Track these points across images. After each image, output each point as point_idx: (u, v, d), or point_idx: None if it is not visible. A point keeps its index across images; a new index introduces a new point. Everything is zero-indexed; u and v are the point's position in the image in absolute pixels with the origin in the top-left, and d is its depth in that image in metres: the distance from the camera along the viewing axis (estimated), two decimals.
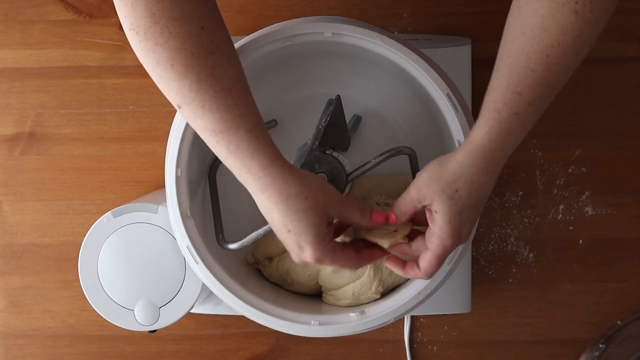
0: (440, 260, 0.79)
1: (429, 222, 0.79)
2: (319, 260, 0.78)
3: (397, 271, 0.82)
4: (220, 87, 0.75)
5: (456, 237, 0.77)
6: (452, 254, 0.86)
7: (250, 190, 0.77)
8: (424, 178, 0.77)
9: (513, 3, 0.76)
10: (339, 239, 0.82)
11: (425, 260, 0.79)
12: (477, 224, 0.81)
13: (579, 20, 0.72)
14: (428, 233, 0.79)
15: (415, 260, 0.81)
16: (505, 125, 0.75)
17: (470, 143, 0.76)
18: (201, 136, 0.78)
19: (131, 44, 0.75)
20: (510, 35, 0.75)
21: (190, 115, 0.76)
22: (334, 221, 0.81)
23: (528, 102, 0.74)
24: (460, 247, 0.87)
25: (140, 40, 0.74)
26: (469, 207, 0.77)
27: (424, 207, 0.78)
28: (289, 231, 0.77)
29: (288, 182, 0.76)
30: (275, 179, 0.76)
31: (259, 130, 0.76)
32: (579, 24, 0.72)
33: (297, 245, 0.77)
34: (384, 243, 0.81)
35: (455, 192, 0.76)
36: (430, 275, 0.80)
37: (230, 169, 0.78)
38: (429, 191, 0.76)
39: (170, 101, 0.76)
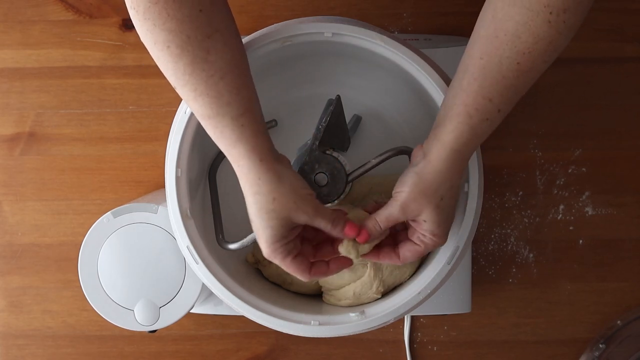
0: (422, 255, 0.83)
1: (414, 227, 0.81)
2: (270, 258, 0.80)
3: (373, 259, 0.85)
4: (213, 71, 0.75)
5: (445, 237, 0.81)
6: (452, 254, 0.87)
7: (237, 174, 0.79)
8: (407, 194, 0.79)
9: (488, 1, 0.77)
10: (349, 254, 0.83)
11: (409, 252, 0.82)
12: (454, 217, 0.85)
13: (552, 30, 0.73)
14: (415, 234, 0.82)
15: (393, 248, 0.84)
16: (476, 131, 0.77)
17: (443, 148, 0.78)
18: (197, 117, 0.79)
19: (133, 22, 0.76)
20: (483, 36, 0.76)
21: (184, 97, 0.77)
22: None
23: (498, 108, 0.76)
24: (460, 248, 0.87)
25: (139, 20, 0.74)
26: (451, 207, 0.80)
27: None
28: (252, 222, 0.79)
29: (261, 178, 0.77)
30: (250, 171, 0.77)
31: (245, 118, 0.77)
32: (551, 33, 0.73)
33: (257, 235, 0.80)
34: (352, 255, 0.83)
35: (440, 200, 0.79)
36: (400, 262, 0.83)
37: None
38: (416, 205, 0.79)
39: (168, 80, 0.78)
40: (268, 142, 0.79)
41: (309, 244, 0.84)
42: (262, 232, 0.78)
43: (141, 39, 0.76)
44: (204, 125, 0.78)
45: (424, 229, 0.80)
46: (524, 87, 0.77)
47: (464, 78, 0.77)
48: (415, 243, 0.82)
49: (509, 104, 0.77)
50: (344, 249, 0.82)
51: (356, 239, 0.81)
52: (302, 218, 0.78)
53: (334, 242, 0.83)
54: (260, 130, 0.78)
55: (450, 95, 0.78)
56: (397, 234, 0.85)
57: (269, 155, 0.78)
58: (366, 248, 0.83)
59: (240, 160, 0.77)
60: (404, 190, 0.79)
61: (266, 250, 0.79)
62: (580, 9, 0.73)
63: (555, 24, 0.73)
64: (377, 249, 0.84)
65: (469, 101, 0.76)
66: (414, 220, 0.80)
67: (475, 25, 0.78)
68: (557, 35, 0.73)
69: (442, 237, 0.81)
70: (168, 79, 0.77)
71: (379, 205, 0.82)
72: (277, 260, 0.80)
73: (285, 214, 0.77)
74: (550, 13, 0.72)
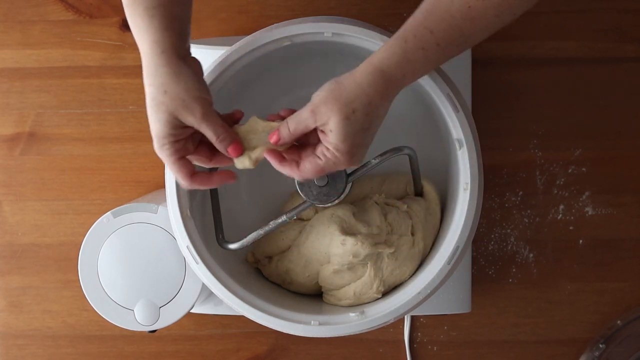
0: (322, 172, 0.79)
1: (322, 139, 0.78)
2: (157, 153, 0.79)
3: (273, 163, 0.81)
4: None
5: (349, 156, 0.78)
6: (452, 254, 0.87)
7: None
8: (321, 97, 0.77)
9: None
10: (238, 164, 0.81)
11: (309, 164, 0.79)
12: (368, 147, 0.81)
13: None
14: (320, 148, 0.79)
15: (295, 160, 0.81)
16: (408, 56, 0.76)
17: (370, 64, 0.77)
18: None
19: None
20: None
21: None
22: None
23: (437, 42, 0.76)
24: (460, 248, 0.87)
25: None
26: (364, 129, 0.77)
27: (317, 127, 0.78)
28: (148, 115, 0.79)
29: (158, 70, 0.77)
30: (150, 63, 0.78)
31: (157, 11, 0.77)
32: None
33: (151, 129, 0.79)
34: (247, 164, 0.81)
35: (352, 112, 0.76)
36: (304, 177, 0.80)
37: None
38: (326, 109, 0.76)
39: None
40: (177, 39, 0.78)
41: (207, 147, 0.82)
42: (152, 125, 0.78)
43: None
44: (125, 13, 0.79)
45: (328, 141, 0.77)
46: (470, 34, 0.77)
47: (414, 13, 0.77)
48: (318, 156, 0.79)
49: (451, 44, 0.77)
50: (238, 162, 0.81)
51: (269, 140, 0.80)
52: (189, 119, 0.78)
53: (224, 175, 0.83)
54: (170, 26, 0.78)
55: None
56: (305, 148, 0.82)
57: (172, 50, 0.78)
58: (260, 155, 0.81)
59: (144, 48, 0.78)
60: (318, 94, 0.78)
61: (155, 144, 0.79)
62: None
63: None
64: (280, 157, 0.81)
65: (409, 28, 0.77)
66: (322, 131, 0.78)
67: None
68: None
69: (345, 154, 0.77)
70: None
71: (293, 110, 0.81)
72: (162, 156, 0.80)
73: (173, 109, 0.77)
74: None
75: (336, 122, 0.76)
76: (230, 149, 0.80)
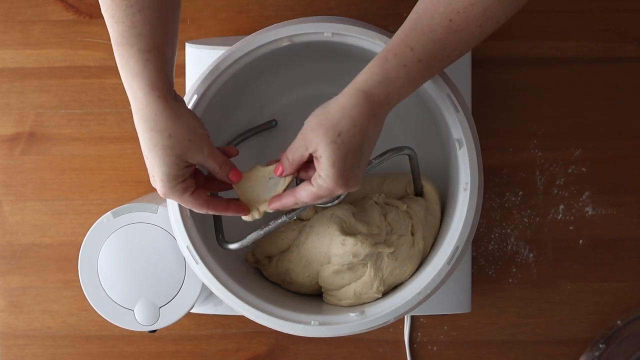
0: (318, 198, 0.80)
1: (315, 166, 0.79)
2: (166, 196, 0.80)
3: (275, 205, 0.83)
4: (133, 2, 0.76)
5: (343, 180, 0.78)
6: (452, 253, 0.87)
7: (132, 107, 0.79)
8: (309, 123, 0.78)
9: None
10: (247, 218, 0.84)
11: (304, 191, 0.80)
12: (363, 169, 0.81)
13: None
14: (315, 174, 0.79)
15: (294, 192, 0.81)
16: (389, 75, 0.76)
17: (352, 87, 0.77)
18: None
19: None
20: None
21: (107, 23, 0.78)
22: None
23: (419, 58, 0.76)
24: (460, 248, 0.87)
25: None
26: (353, 151, 0.77)
27: (311, 155, 0.79)
28: (147, 159, 0.79)
29: (157, 114, 0.77)
30: (148, 106, 0.77)
31: (152, 55, 0.77)
32: None
33: (151, 174, 0.80)
34: (257, 216, 0.84)
35: (337, 135, 0.76)
36: (300, 205, 0.81)
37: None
38: (313, 136, 0.77)
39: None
40: (170, 81, 0.79)
41: (202, 175, 0.85)
42: (157, 170, 0.79)
43: None
44: (115, 53, 0.79)
45: (320, 167, 0.78)
46: (454, 48, 0.76)
47: (396, 31, 0.77)
48: (311, 183, 0.79)
49: (433, 59, 0.76)
50: (248, 218, 0.84)
51: (276, 172, 0.81)
52: (196, 157, 0.79)
53: (222, 183, 0.85)
54: (163, 70, 0.78)
55: None
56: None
57: (167, 93, 0.78)
58: (266, 207, 0.83)
59: (138, 93, 0.78)
60: (308, 121, 0.78)
61: (162, 189, 0.80)
62: None
63: None
64: (280, 197, 0.82)
65: (390, 47, 0.76)
66: (316, 158, 0.78)
67: None
68: (495, 3, 0.74)
69: (337, 179, 0.77)
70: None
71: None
72: (175, 197, 0.80)
73: (180, 151, 0.78)
74: None
75: (323, 147, 0.76)
76: (231, 175, 0.82)
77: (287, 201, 0.82)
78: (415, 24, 0.76)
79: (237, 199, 0.85)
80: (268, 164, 0.84)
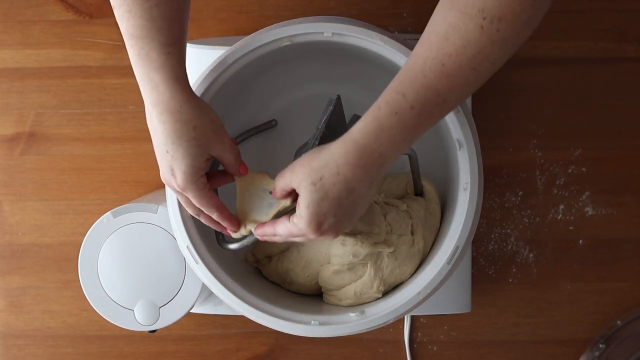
0: (291, 236, 0.79)
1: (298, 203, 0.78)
2: (184, 189, 0.80)
3: (257, 233, 0.83)
4: None
5: (314, 225, 0.76)
6: (452, 253, 0.86)
7: (145, 102, 0.79)
8: (300, 159, 0.78)
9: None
10: (235, 235, 0.84)
11: (282, 225, 0.79)
12: (349, 224, 0.78)
13: (483, 36, 0.70)
14: (293, 214, 0.79)
15: (275, 220, 0.81)
16: (382, 123, 0.73)
17: (347, 134, 0.75)
18: (124, 39, 0.79)
19: None
20: (420, 39, 0.74)
21: (120, 18, 0.79)
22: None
23: (411, 104, 0.73)
24: (460, 248, 0.87)
25: None
26: (331, 198, 0.75)
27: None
28: (167, 152, 0.78)
29: (182, 106, 0.77)
30: (172, 98, 0.77)
31: (173, 48, 0.78)
32: (482, 40, 0.71)
33: (170, 168, 0.79)
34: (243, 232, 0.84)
35: (319, 179, 0.75)
36: (277, 240, 0.81)
37: (136, 77, 0.79)
38: (299, 171, 0.76)
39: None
40: (186, 76, 0.80)
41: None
42: (180, 163, 0.78)
43: None
44: (128, 46, 0.79)
45: (297, 206, 0.77)
46: (449, 92, 0.73)
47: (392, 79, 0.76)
48: (289, 219, 0.79)
49: (426, 105, 0.73)
50: (237, 234, 0.84)
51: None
52: (218, 148, 0.80)
53: (225, 176, 0.85)
54: (183, 63, 0.79)
55: None
56: None
57: (189, 87, 0.79)
58: (252, 228, 0.83)
59: (162, 86, 0.77)
60: (301, 157, 0.78)
61: (183, 182, 0.79)
62: (518, 22, 0.70)
63: (488, 31, 0.70)
64: (261, 225, 0.82)
65: (383, 95, 0.74)
66: (298, 196, 0.78)
67: None
68: (488, 43, 0.71)
69: (307, 222, 0.76)
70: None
71: None
72: (195, 191, 0.80)
73: (204, 142, 0.78)
74: (484, 19, 0.70)
75: (304, 187, 0.76)
76: (242, 168, 0.83)
77: (267, 231, 0.82)
78: (408, 70, 0.73)
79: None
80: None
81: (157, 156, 0.80)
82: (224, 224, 0.83)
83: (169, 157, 0.79)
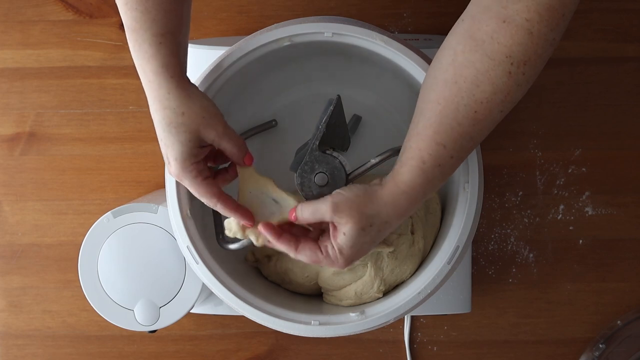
0: (318, 263, 0.81)
1: (330, 233, 0.79)
2: (179, 177, 0.80)
3: (270, 238, 0.81)
4: None
5: (349, 261, 0.80)
6: (452, 253, 0.87)
7: (146, 94, 0.80)
8: (346, 199, 0.78)
9: (446, 42, 0.77)
10: (239, 235, 0.83)
11: (309, 251, 0.80)
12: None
13: (511, 81, 0.73)
14: (325, 241, 0.80)
15: (295, 238, 0.81)
16: (428, 176, 0.77)
17: (396, 186, 0.78)
18: (126, 35, 0.80)
19: None
20: (441, 81, 0.76)
21: (121, 12, 0.79)
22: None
23: (451, 154, 0.77)
24: (460, 248, 0.87)
25: None
26: (373, 242, 0.79)
27: (330, 222, 0.79)
28: (162, 140, 0.79)
29: (170, 93, 0.78)
30: (160, 87, 0.78)
31: (165, 39, 0.78)
32: (510, 84, 0.73)
33: (166, 156, 0.80)
34: (253, 239, 0.83)
35: (370, 226, 0.78)
36: (297, 258, 0.81)
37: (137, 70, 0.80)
38: (347, 213, 0.77)
39: None
40: (182, 66, 0.80)
41: (211, 170, 0.84)
42: (171, 150, 0.79)
43: None
44: (128, 40, 0.79)
45: (337, 241, 0.79)
46: (479, 135, 0.77)
47: (420, 122, 0.77)
48: (319, 248, 0.80)
49: (462, 152, 0.77)
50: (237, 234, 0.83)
51: (290, 216, 0.81)
52: (210, 135, 0.79)
53: (230, 170, 0.85)
54: (177, 53, 0.79)
55: (407, 138, 0.79)
56: (304, 230, 0.84)
57: (180, 75, 0.79)
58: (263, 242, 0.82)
59: (151, 76, 0.78)
60: (344, 194, 0.79)
61: (175, 169, 0.79)
62: (539, 63, 0.73)
63: (515, 76, 0.73)
64: (278, 233, 0.81)
65: (423, 146, 0.77)
66: (335, 228, 0.79)
67: (431, 66, 0.78)
68: (515, 87, 0.74)
69: (346, 259, 0.79)
70: None
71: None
72: (187, 180, 0.80)
73: (194, 127, 0.78)
74: (512, 64, 0.72)
75: (351, 228, 0.78)
76: (246, 158, 0.83)
77: (284, 248, 0.81)
78: (441, 117, 0.75)
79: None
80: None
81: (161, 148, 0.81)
82: (234, 216, 0.82)
83: (163, 146, 0.80)
